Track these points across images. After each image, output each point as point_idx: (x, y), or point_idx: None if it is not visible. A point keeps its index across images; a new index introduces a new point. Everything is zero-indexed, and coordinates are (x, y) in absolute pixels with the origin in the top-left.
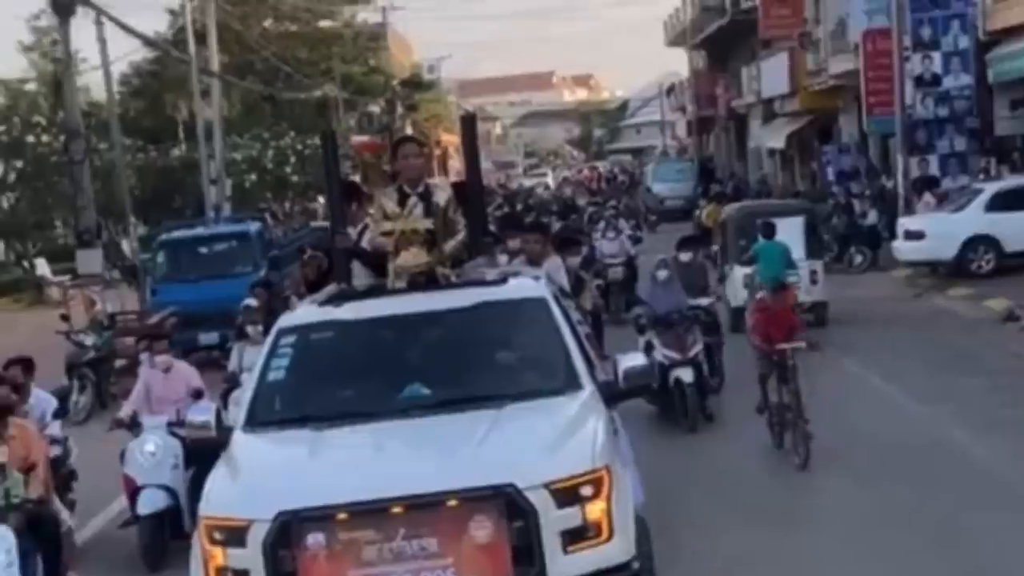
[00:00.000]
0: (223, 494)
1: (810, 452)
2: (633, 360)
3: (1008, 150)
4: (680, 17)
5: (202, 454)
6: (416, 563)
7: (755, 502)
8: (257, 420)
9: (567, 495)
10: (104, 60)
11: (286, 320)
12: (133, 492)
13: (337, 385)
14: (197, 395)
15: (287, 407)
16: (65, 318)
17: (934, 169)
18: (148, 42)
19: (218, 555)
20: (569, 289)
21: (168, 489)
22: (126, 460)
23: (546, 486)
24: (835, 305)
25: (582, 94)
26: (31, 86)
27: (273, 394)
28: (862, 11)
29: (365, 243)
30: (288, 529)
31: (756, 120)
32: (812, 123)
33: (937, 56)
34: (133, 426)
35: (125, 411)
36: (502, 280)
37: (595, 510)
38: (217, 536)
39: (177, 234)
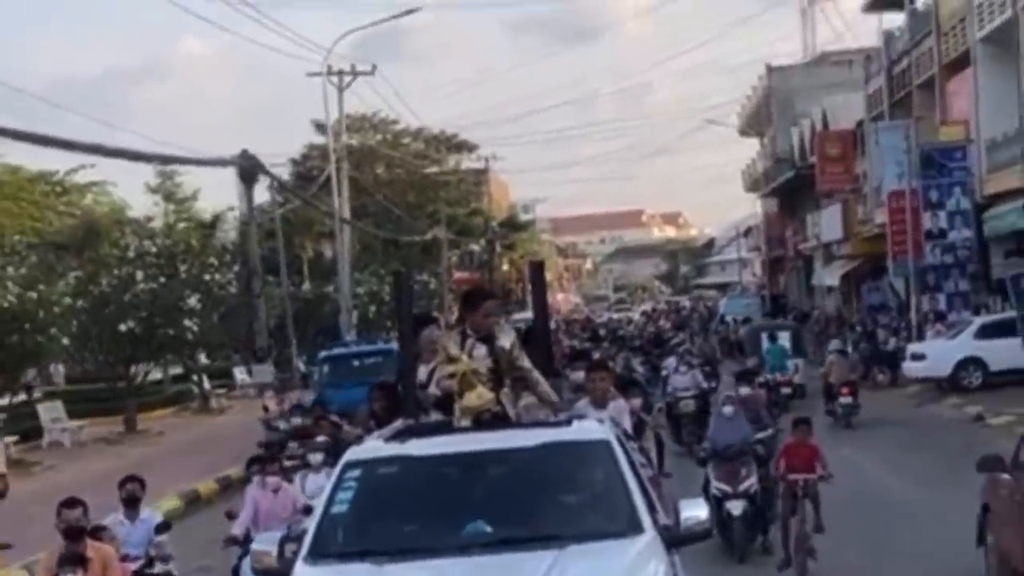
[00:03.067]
0: None
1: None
2: (694, 509)
3: (1004, 291)
4: (755, 167)
5: None
6: None
7: None
8: (320, 552)
9: None
10: (250, 213)
11: (353, 454)
12: None
13: (400, 520)
14: (307, 511)
15: (350, 540)
16: (266, 409)
17: (942, 305)
18: (304, 200)
19: None
20: (632, 431)
21: None
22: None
23: None
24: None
25: (670, 231)
26: (156, 223)
27: (336, 527)
28: (893, 174)
29: (434, 385)
30: None
31: (819, 261)
32: (863, 264)
33: (943, 214)
34: (245, 542)
35: (238, 529)
36: (567, 421)
37: None
38: None
39: (336, 351)
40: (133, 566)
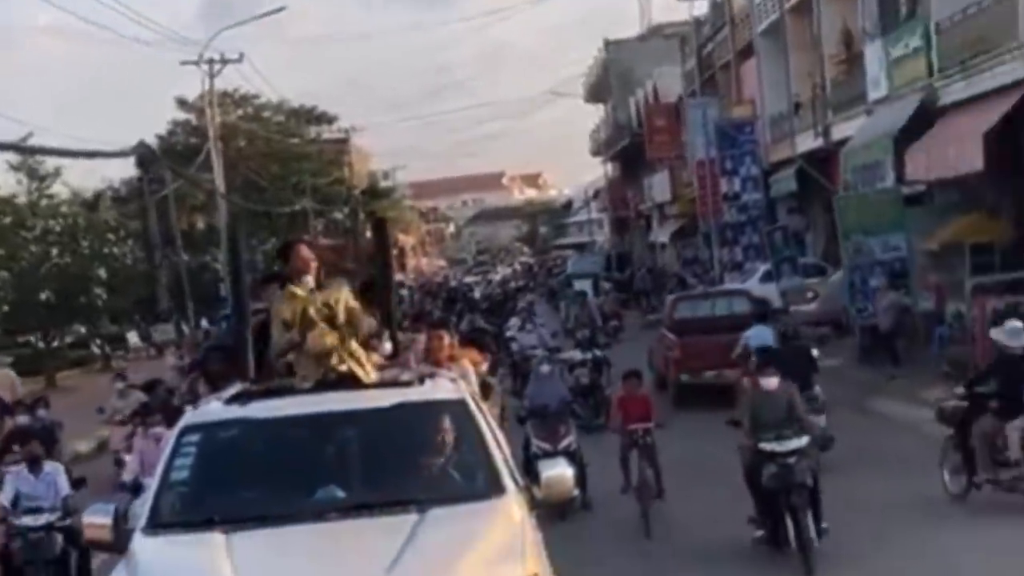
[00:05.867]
0: None
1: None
2: (555, 468)
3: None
4: (599, 133)
5: None
6: None
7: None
8: (160, 522)
9: None
10: (147, 194)
11: (190, 417)
12: None
13: (245, 486)
14: None
15: (191, 509)
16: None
17: (739, 256)
18: (190, 180)
19: None
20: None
21: None
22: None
23: None
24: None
25: (531, 193)
26: (22, 199)
27: (176, 495)
28: (701, 144)
29: (272, 352)
30: None
31: (656, 220)
32: (686, 223)
33: (737, 180)
34: (135, 490)
35: (127, 477)
36: (419, 380)
37: None
38: None
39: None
40: (42, 519)
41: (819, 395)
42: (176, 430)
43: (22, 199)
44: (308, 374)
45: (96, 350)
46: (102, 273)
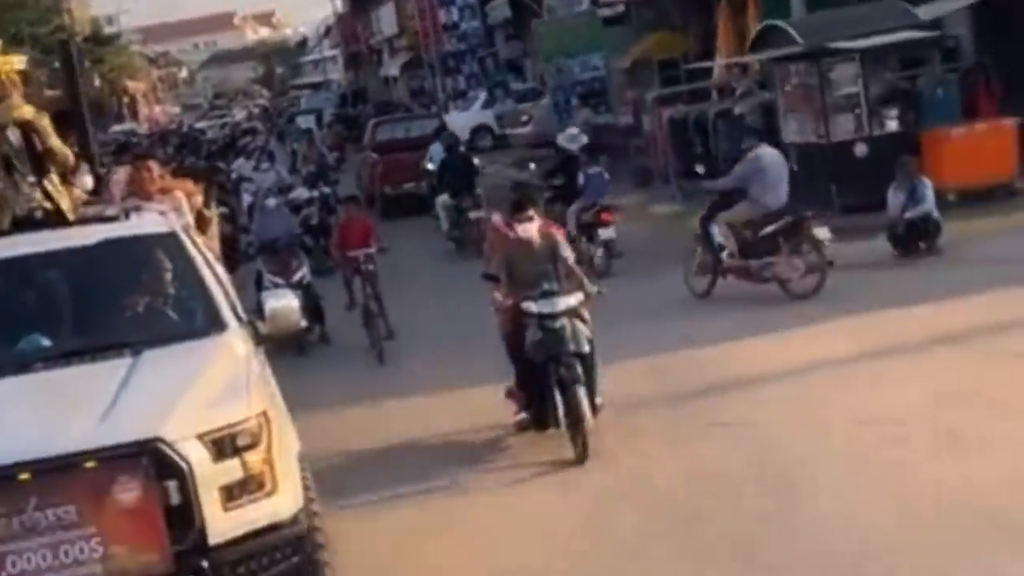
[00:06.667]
0: None
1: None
2: (280, 299)
3: (515, 68)
4: None
5: None
6: (54, 536)
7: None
8: None
9: (223, 446)
10: None
11: None
12: None
13: None
14: None
15: None
16: None
17: (462, 85)
18: None
19: None
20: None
21: None
22: None
23: (199, 437)
24: None
25: (265, 32)
26: None
27: None
28: None
29: None
30: None
31: (386, 54)
32: (416, 55)
33: (455, 9)
34: None
35: None
36: (124, 215)
37: (255, 461)
38: None
39: None
40: None
41: (480, 196)
42: None
43: None
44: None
45: None
46: None
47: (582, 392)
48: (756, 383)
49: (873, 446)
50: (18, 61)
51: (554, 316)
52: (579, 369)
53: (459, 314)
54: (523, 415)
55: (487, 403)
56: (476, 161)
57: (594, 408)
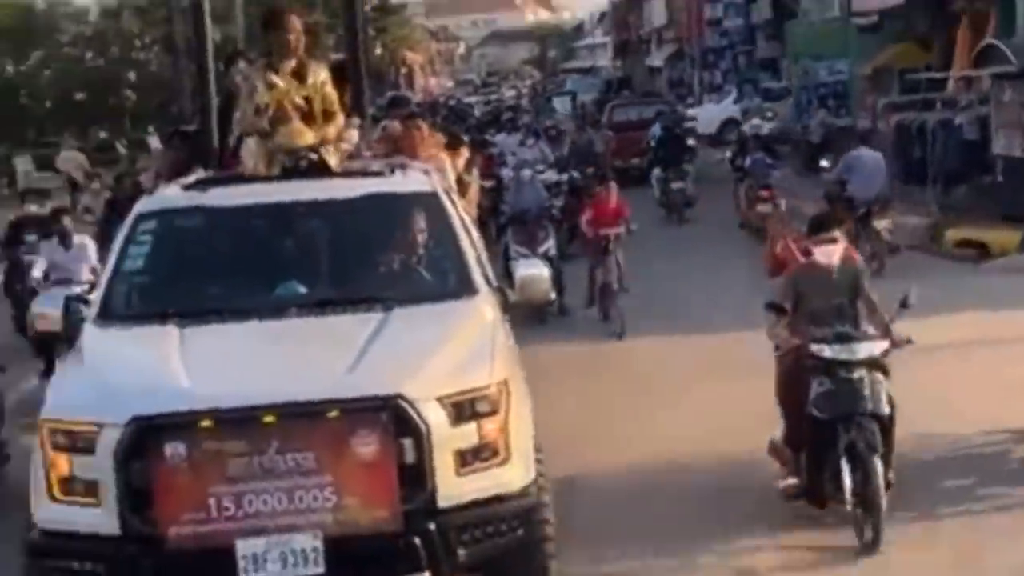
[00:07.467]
0: (69, 394)
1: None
2: (530, 268)
3: (770, 67)
4: None
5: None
6: (290, 480)
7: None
8: (112, 313)
9: (462, 411)
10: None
11: (146, 204)
12: None
13: (203, 278)
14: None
15: (146, 300)
16: None
17: (719, 79)
18: None
19: (62, 464)
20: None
21: None
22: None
23: (439, 400)
24: None
25: (544, 15)
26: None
27: (130, 285)
28: None
29: (235, 126)
30: (143, 436)
31: (654, 44)
32: (681, 47)
33: (720, 5)
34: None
35: (36, 274)
36: (389, 171)
37: (492, 429)
38: (61, 441)
39: None
40: (74, 290)
41: (689, 171)
42: (130, 217)
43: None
44: (264, 164)
45: (122, 150)
46: (131, 76)
47: (878, 464)
48: None
49: None
50: (323, 74)
51: (851, 365)
52: (877, 435)
53: (680, 274)
54: (792, 481)
55: (733, 421)
56: (691, 142)
57: (887, 484)
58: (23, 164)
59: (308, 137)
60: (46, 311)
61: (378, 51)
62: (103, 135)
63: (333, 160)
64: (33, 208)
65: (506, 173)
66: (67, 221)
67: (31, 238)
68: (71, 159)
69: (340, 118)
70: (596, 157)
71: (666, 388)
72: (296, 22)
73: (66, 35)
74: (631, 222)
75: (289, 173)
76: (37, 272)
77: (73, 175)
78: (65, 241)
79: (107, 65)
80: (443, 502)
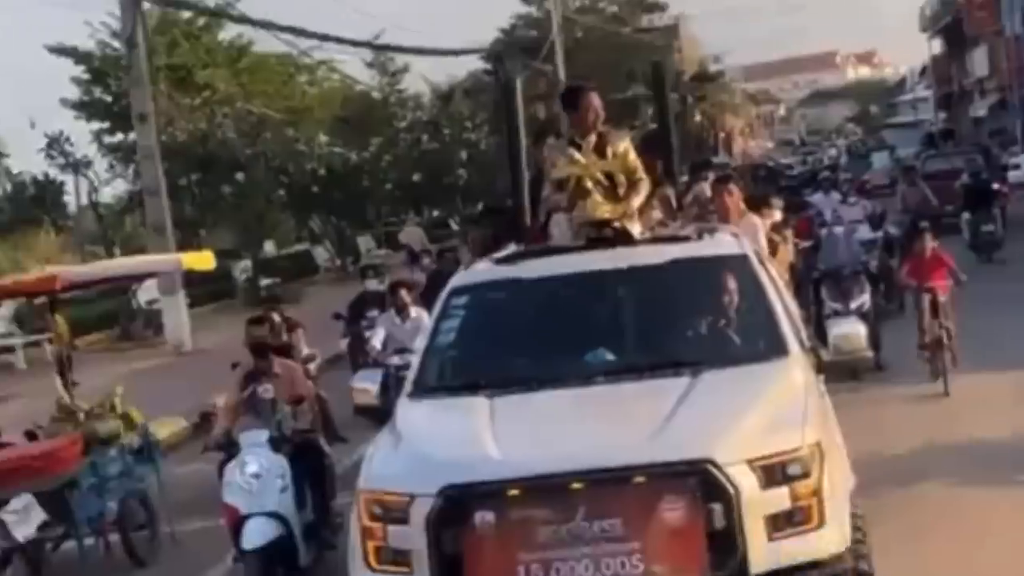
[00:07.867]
0: (385, 466)
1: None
2: (846, 327)
3: None
4: (927, 9)
5: (299, 463)
6: (597, 547)
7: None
8: (425, 386)
9: (773, 474)
10: (507, 85)
11: (459, 279)
12: (236, 524)
13: (513, 349)
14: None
15: (458, 373)
16: None
17: None
18: (538, 71)
19: (378, 533)
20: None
21: (277, 517)
22: (225, 486)
23: (749, 463)
24: None
25: (865, 71)
26: (376, 94)
27: (443, 358)
28: (1017, 20)
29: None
30: (454, 505)
31: (976, 95)
32: (1004, 97)
33: None
34: (228, 446)
35: (218, 431)
36: (697, 236)
37: (805, 492)
38: (376, 512)
39: None
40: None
41: (995, 214)
42: (444, 292)
43: (376, 94)
44: (570, 238)
45: (455, 226)
46: (462, 155)
47: None
48: None
49: None
50: (624, 144)
51: None
52: None
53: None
54: None
55: None
56: (996, 186)
57: None
58: (365, 243)
59: (607, 210)
60: (365, 386)
61: (697, 118)
62: (435, 213)
63: (636, 229)
64: (372, 284)
65: (824, 232)
66: (404, 294)
67: (372, 313)
68: (413, 233)
69: (646, 184)
70: (931, 209)
71: None
72: (594, 99)
73: (403, 121)
74: (958, 273)
75: (594, 244)
76: (376, 342)
77: (414, 248)
78: (402, 313)
79: (441, 147)
80: (754, 568)
